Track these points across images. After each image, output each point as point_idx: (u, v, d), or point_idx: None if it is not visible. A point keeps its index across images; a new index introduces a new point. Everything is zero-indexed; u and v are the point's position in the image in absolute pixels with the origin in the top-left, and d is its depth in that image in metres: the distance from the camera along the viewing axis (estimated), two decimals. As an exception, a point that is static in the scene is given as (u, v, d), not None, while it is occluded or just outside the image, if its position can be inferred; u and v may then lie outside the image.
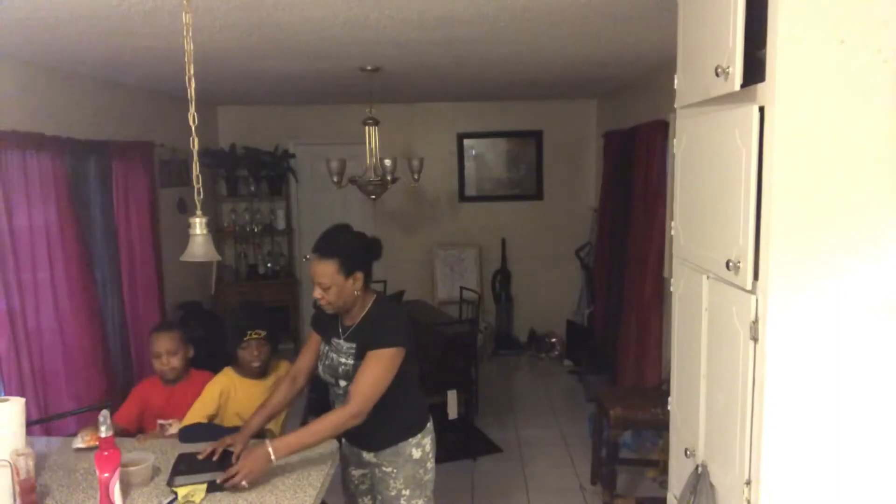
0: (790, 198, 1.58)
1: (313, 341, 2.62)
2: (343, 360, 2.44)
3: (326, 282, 2.33)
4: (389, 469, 2.51)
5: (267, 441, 2.25)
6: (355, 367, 2.39)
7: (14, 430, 2.19)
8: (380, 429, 2.42)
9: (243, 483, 2.19)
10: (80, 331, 3.95)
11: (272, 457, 2.21)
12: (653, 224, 4.55)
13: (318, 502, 2.26)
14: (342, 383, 2.45)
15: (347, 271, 2.35)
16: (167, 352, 2.94)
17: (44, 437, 2.78)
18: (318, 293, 2.37)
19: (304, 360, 2.63)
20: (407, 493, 2.51)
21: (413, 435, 2.52)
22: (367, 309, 2.45)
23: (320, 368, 2.54)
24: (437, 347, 4.56)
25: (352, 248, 2.39)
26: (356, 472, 2.67)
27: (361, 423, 2.32)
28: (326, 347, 2.52)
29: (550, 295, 7.01)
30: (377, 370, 2.32)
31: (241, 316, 3.02)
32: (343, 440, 2.61)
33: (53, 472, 2.43)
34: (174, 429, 2.84)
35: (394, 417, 2.44)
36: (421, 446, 2.53)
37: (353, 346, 2.42)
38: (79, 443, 2.55)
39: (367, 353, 2.34)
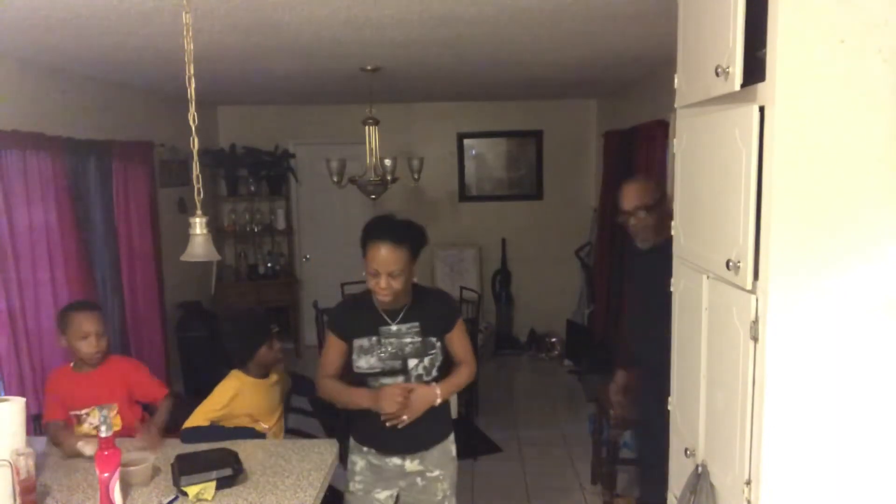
0: (790, 198, 1.58)
1: (338, 346, 2.48)
2: (408, 339, 2.41)
3: (400, 269, 2.31)
4: (437, 472, 2.49)
5: (434, 384, 2.42)
6: (424, 343, 2.41)
7: (14, 430, 2.19)
8: (426, 425, 2.41)
9: (404, 418, 2.36)
10: (80, 331, 3.94)
11: (438, 398, 2.41)
12: (653, 224, 4.54)
13: (318, 502, 2.26)
14: (412, 362, 2.41)
15: (415, 256, 2.40)
16: (96, 333, 2.71)
17: (44, 437, 2.77)
18: (383, 283, 2.29)
19: (337, 364, 2.50)
20: (450, 493, 2.53)
21: (452, 430, 2.55)
22: (412, 289, 2.47)
23: (373, 361, 2.40)
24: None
25: (416, 233, 2.43)
26: (382, 495, 2.51)
27: (405, 425, 2.39)
28: (374, 339, 2.41)
29: (550, 295, 7.01)
30: (467, 338, 2.54)
31: (254, 318, 2.95)
32: (369, 451, 2.50)
33: (53, 472, 2.43)
34: (94, 418, 2.68)
35: (439, 411, 2.46)
36: (455, 444, 2.57)
37: (416, 324, 2.42)
38: (90, 451, 2.41)
39: (448, 334, 2.46)
